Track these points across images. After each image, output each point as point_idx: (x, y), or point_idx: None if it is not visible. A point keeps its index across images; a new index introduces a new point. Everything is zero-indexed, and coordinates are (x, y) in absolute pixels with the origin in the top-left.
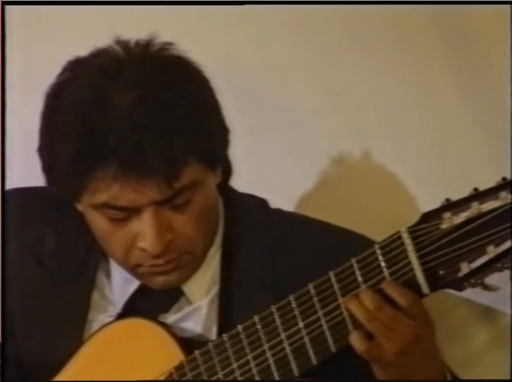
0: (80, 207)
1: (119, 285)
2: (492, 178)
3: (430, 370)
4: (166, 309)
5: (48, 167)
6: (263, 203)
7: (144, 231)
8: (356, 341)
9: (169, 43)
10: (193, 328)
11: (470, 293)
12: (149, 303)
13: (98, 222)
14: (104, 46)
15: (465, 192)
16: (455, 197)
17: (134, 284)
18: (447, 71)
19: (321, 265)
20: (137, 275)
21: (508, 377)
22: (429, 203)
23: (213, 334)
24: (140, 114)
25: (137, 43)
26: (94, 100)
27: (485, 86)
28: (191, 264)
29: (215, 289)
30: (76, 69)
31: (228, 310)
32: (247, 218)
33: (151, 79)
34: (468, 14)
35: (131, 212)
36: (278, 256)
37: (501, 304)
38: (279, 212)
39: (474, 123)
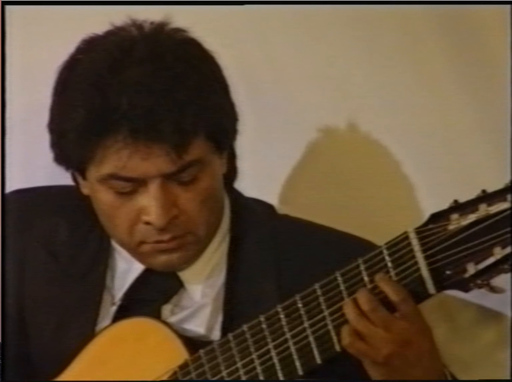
0: (86, 188)
1: (122, 271)
2: (495, 178)
3: (425, 375)
4: (166, 299)
5: (58, 138)
6: (269, 208)
7: (149, 204)
8: (342, 334)
9: (181, 29)
10: (196, 328)
11: (476, 296)
12: (148, 293)
13: (104, 197)
14: (119, 25)
15: (468, 191)
16: (457, 195)
17: (134, 273)
18: (447, 70)
19: (327, 270)
20: (140, 255)
21: (508, 377)
22: (431, 203)
23: (215, 334)
24: (152, 82)
25: (152, 23)
26: (107, 69)
27: (485, 86)
28: (194, 245)
29: (217, 288)
30: (90, 45)
31: (233, 310)
32: (254, 223)
33: (164, 54)
34: (469, 14)
35: (138, 184)
36: (284, 260)
37: (506, 307)
38: (285, 218)
39: (474, 122)
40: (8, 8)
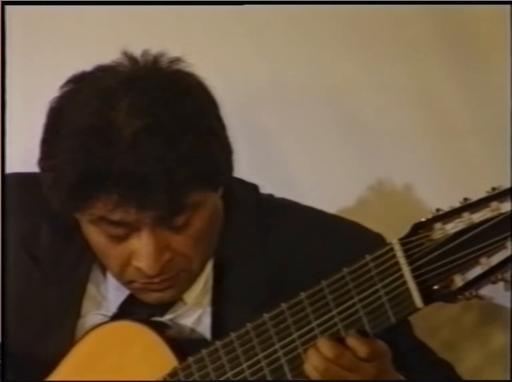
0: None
1: (114, 285)
2: (493, 181)
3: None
4: (162, 313)
5: (48, 187)
6: (253, 189)
7: (141, 251)
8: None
9: (178, 60)
10: (186, 325)
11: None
12: (144, 307)
13: (96, 238)
14: (110, 63)
15: (470, 193)
16: (456, 200)
17: None
18: (447, 71)
19: (314, 250)
20: (131, 289)
21: (508, 377)
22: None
23: (202, 328)
24: (144, 146)
25: (145, 62)
26: (98, 129)
27: (485, 86)
28: (187, 280)
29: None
30: (80, 87)
31: (222, 305)
32: (239, 207)
33: (158, 107)
34: (468, 14)
35: (130, 229)
36: (270, 244)
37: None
38: (270, 199)
39: (474, 124)
40: (8, 8)
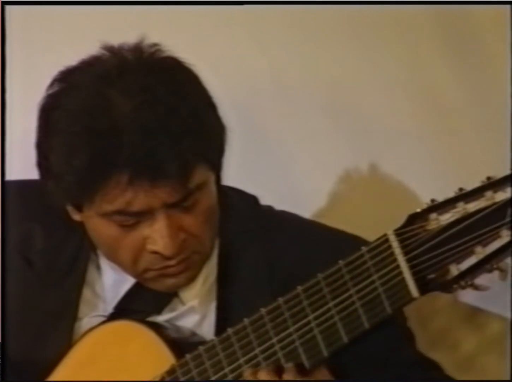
0: (78, 216)
1: (111, 283)
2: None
3: None
4: (159, 310)
5: (55, 179)
6: (253, 201)
7: (156, 234)
8: None
9: (156, 44)
10: (186, 327)
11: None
12: (142, 304)
13: (106, 230)
14: (95, 54)
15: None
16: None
17: (127, 284)
18: (447, 71)
19: (315, 266)
20: (145, 280)
21: (508, 377)
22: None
23: (204, 330)
24: (148, 118)
25: (128, 49)
26: (98, 108)
27: (485, 86)
28: (200, 263)
29: (208, 290)
30: (69, 79)
31: (226, 314)
32: (240, 219)
33: (152, 84)
34: (468, 14)
35: (143, 216)
36: (273, 257)
37: (488, 304)
38: (270, 211)
39: (474, 123)
40: (8, 8)
